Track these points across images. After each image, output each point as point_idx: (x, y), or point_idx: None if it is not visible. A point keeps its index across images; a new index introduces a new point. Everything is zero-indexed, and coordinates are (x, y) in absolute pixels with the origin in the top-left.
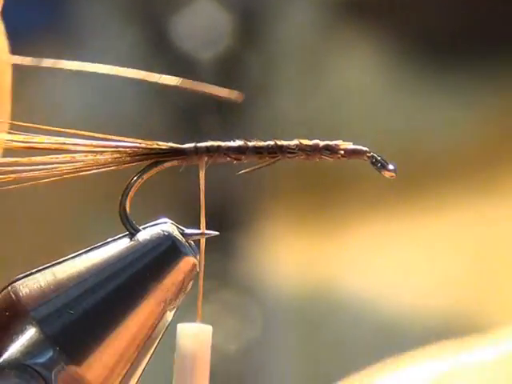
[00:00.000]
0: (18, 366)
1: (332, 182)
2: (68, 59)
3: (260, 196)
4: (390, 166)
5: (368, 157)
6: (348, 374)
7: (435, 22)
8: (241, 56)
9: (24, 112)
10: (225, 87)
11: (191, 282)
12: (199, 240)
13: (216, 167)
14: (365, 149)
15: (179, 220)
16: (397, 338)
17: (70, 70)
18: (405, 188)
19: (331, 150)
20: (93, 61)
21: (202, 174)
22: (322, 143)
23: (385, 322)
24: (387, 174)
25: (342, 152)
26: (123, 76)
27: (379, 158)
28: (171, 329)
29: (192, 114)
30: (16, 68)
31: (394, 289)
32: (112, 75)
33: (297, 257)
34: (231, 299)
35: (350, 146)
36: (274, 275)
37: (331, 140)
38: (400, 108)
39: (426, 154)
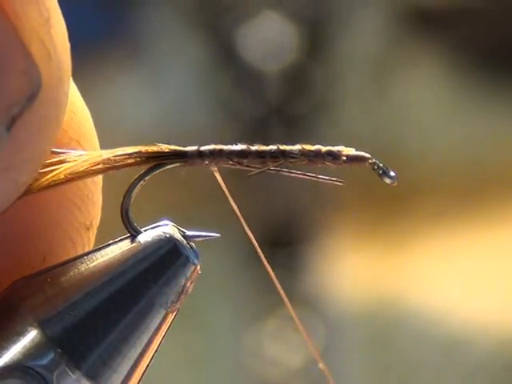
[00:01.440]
0: (19, 367)
1: (397, 196)
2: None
3: (325, 210)
4: (391, 173)
5: (370, 163)
6: (412, 382)
7: (501, 35)
8: (306, 68)
9: (99, 116)
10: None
11: (193, 284)
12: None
13: (282, 181)
14: (367, 155)
15: (180, 222)
16: (464, 353)
17: (138, 82)
18: (469, 201)
19: (333, 156)
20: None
21: (218, 177)
22: (324, 149)
23: (450, 337)
24: (388, 181)
25: (344, 158)
26: (190, 88)
27: (381, 165)
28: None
29: (258, 127)
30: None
31: (461, 303)
32: (180, 87)
33: (362, 271)
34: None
35: (352, 152)
36: (340, 290)
37: (333, 146)
38: (463, 121)
39: (490, 166)
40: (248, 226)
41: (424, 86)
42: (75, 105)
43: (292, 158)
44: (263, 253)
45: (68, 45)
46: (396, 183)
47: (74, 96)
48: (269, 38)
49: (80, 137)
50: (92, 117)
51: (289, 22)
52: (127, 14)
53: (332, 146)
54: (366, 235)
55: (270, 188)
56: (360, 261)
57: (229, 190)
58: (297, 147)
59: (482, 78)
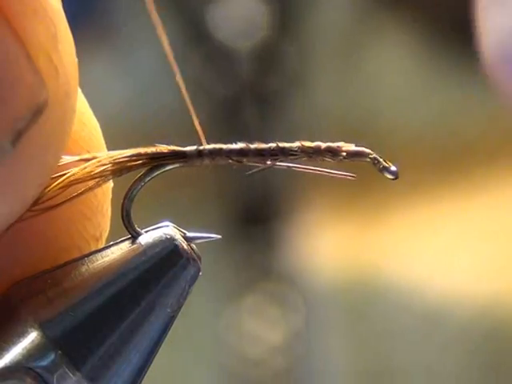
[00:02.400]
0: (19, 368)
1: (372, 169)
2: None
3: (300, 185)
4: (392, 168)
5: (370, 158)
6: (393, 361)
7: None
8: (277, 45)
9: None
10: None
11: (193, 286)
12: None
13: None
14: (367, 151)
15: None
16: (443, 323)
17: (106, 64)
18: (445, 172)
19: (333, 152)
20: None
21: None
22: (323, 145)
23: (429, 308)
24: (389, 176)
25: (344, 154)
26: (160, 68)
27: (381, 160)
28: (188, 314)
29: (231, 105)
30: None
31: (439, 274)
32: (150, 67)
33: (339, 245)
34: (274, 290)
35: (352, 147)
36: (318, 264)
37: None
38: (436, 94)
39: (465, 137)
40: (224, 202)
41: (396, 58)
42: (84, 115)
43: (291, 154)
44: (240, 229)
45: (75, 60)
46: (397, 178)
47: (82, 106)
48: (238, 16)
49: (90, 147)
50: None
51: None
52: None
53: (305, 122)
54: (342, 209)
55: (245, 165)
56: (337, 235)
57: (200, 171)
58: (296, 144)
59: (454, 51)
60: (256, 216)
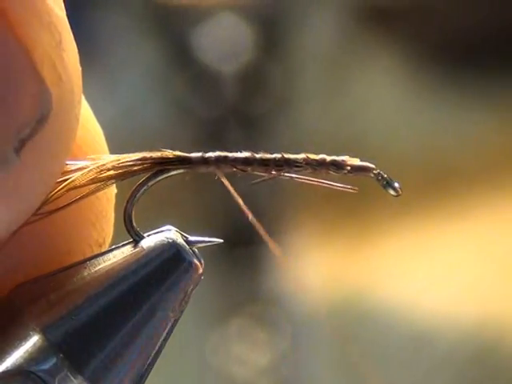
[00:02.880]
0: (21, 372)
1: (359, 191)
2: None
3: (287, 208)
4: (395, 184)
5: (374, 174)
6: (379, 377)
7: (457, 33)
8: (263, 68)
9: None
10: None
11: (194, 290)
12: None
13: (243, 180)
14: (371, 166)
15: (183, 227)
16: (431, 345)
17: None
18: (432, 194)
19: (338, 166)
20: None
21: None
22: (328, 158)
23: (417, 331)
24: (392, 192)
25: (349, 168)
26: (146, 90)
27: (385, 176)
28: (174, 336)
29: (216, 128)
30: None
31: (426, 296)
32: (136, 89)
33: (326, 268)
34: (261, 312)
35: (356, 162)
36: (304, 287)
37: (338, 155)
38: (422, 116)
39: (450, 160)
40: (211, 225)
41: (382, 80)
42: (88, 121)
43: (296, 166)
44: (227, 252)
45: (79, 68)
46: (400, 194)
47: (86, 112)
48: (224, 38)
49: (94, 152)
50: None
51: (244, 22)
52: (81, 16)
53: (290, 143)
54: (329, 231)
55: (231, 184)
56: (325, 257)
57: (190, 191)
58: (301, 156)
59: (439, 74)
60: (243, 238)
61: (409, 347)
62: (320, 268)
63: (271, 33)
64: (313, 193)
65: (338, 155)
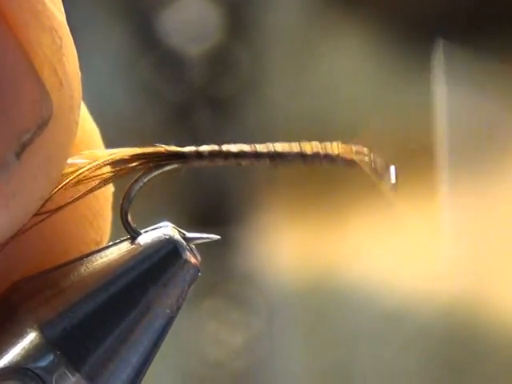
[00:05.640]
0: (18, 369)
1: (329, 171)
2: None
3: (258, 188)
4: (392, 175)
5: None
6: (354, 362)
7: (423, 6)
8: (230, 49)
9: None
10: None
11: (191, 287)
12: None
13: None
14: (367, 159)
15: (177, 222)
16: (402, 324)
17: None
18: (403, 173)
19: (331, 160)
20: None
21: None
22: (322, 152)
23: (389, 309)
24: (386, 186)
25: (342, 162)
26: (113, 74)
27: (379, 170)
28: (171, 333)
29: (184, 111)
30: None
31: (398, 275)
32: (102, 73)
33: (298, 247)
34: (234, 292)
35: (350, 155)
36: (276, 267)
37: (330, 141)
38: (391, 93)
39: (423, 138)
40: (181, 206)
41: (351, 58)
42: (85, 121)
43: (290, 158)
44: (199, 232)
45: (79, 73)
46: (395, 189)
47: (83, 112)
48: (190, 20)
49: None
50: None
51: (210, 4)
52: None
53: (260, 126)
54: (301, 210)
55: (198, 171)
56: (297, 236)
57: (154, 176)
58: (295, 150)
59: (407, 47)
60: (214, 219)
61: (382, 325)
62: (292, 247)
63: (237, 14)
64: (283, 172)
65: (308, 135)
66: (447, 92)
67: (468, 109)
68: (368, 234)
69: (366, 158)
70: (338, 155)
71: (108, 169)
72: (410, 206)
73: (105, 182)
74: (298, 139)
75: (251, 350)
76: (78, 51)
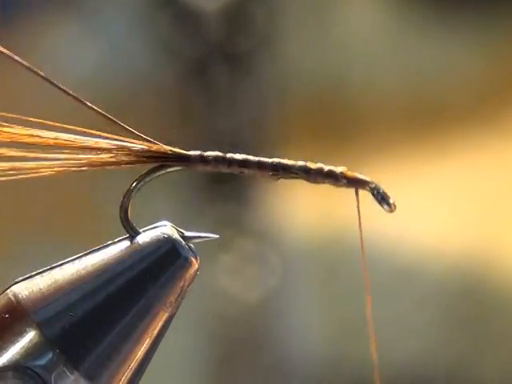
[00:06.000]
0: (17, 367)
1: (344, 125)
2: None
3: (273, 142)
4: (390, 201)
5: (370, 188)
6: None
7: None
8: (245, 5)
9: (32, 74)
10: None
11: (191, 285)
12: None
13: (226, 115)
14: (368, 179)
15: (178, 221)
16: (418, 278)
17: (75, 29)
18: (417, 131)
19: (334, 178)
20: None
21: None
22: (326, 168)
23: (403, 265)
24: (386, 208)
25: (345, 181)
26: (130, 31)
27: (381, 191)
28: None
29: (200, 65)
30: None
31: (412, 230)
32: (119, 30)
33: (313, 202)
34: (249, 249)
35: (353, 174)
36: (291, 222)
37: (336, 165)
38: (407, 51)
39: (435, 94)
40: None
41: (367, 14)
42: None
43: (293, 173)
44: (215, 188)
45: None
46: (394, 211)
47: None
48: None
49: None
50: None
51: None
52: None
53: (275, 82)
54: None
55: (214, 123)
56: (312, 191)
57: (172, 129)
58: (299, 163)
59: (424, 5)
60: (229, 175)
61: (396, 280)
62: (308, 203)
63: None
64: (297, 128)
65: (323, 91)
66: (461, 48)
67: (481, 65)
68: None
69: (370, 182)
70: (341, 173)
71: (112, 159)
72: (423, 162)
73: (103, 166)
74: (312, 94)
75: (266, 305)
76: (96, 8)
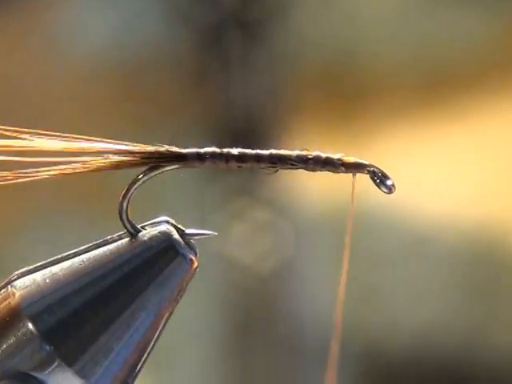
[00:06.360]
0: (11, 363)
1: (355, 93)
2: None
3: (284, 110)
4: (388, 182)
5: (369, 171)
6: (382, 284)
7: None
8: None
9: (46, 42)
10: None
11: (189, 282)
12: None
13: (241, 85)
14: (366, 163)
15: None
16: (431, 247)
17: None
18: (430, 98)
19: (332, 165)
20: None
21: None
22: (323, 156)
23: (418, 232)
24: (385, 190)
25: (343, 168)
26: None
27: (379, 174)
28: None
29: (213, 34)
30: None
31: (426, 199)
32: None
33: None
34: (262, 217)
35: (351, 160)
36: (304, 191)
37: (332, 153)
38: (416, 17)
39: (450, 61)
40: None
41: None
42: None
43: (290, 164)
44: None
45: None
46: (393, 192)
47: None
48: None
49: None
50: (47, 37)
51: None
52: None
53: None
54: (327, 133)
55: (228, 92)
56: None
57: (187, 98)
58: (295, 153)
59: None
60: (239, 141)
61: (410, 248)
62: (319, 172)
63: None
64: (310, 94)
65: (334, 59)
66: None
67: (493, 32)
68: (395, 158)
69: (368, 166)
70: (339, 160)
71: (108, 162)
72: (436, 130)
73: (103, 170)
74: (323, 62)
75: (280, 275)
76: None
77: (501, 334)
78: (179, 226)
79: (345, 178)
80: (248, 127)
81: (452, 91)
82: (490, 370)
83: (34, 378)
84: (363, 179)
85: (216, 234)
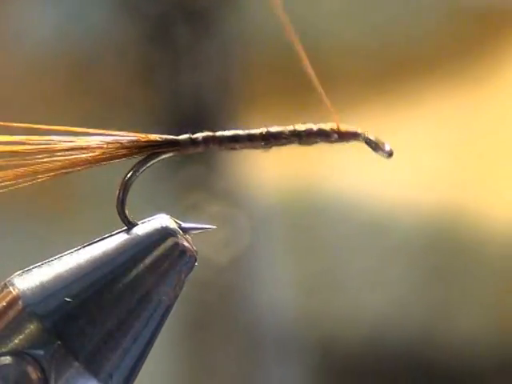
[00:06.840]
0: (16, 353)
1: (308, 81)
2: None
3: (237, 101)
4: (386, 147)
5: (363, 138)
6: (339, 272)
7: None
8: None
9: None
10: None
11: (188, 276)
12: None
13: (190, 73)
14: (359, 131)
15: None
16: (385, 233)
17: None
18: (384, 83)
19: (326, 135)
20: None
21: None
22: (315, 127)
23: (373, 219)
24: (383, 155)
25: (336, 136)
26: None
27: (374, 140)
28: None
29: (162, 24)
30: None
31: (379, 186)
32: None
33: (279, 161)
34: (218, 210)
35: (344, 128)
36: (258, 181)
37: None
38: (372, 4)
39: (402, 49)
40: (161, 127)
41: None
42: None
43: (283, 139)
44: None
45: None
46: (392, 154)
47: None
48: None
49: None
50: None
51: None
52: None
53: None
54: (278, 124)
55: (177, 81)
56: (276, 150)
57: (137, 86)
58: (288, 128)
59: None
60: (192, 133)
61: (366, 235)
62: (274, 161)
63: None
64: (264, 85)
65: (286, 47)
66: None
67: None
68: (349, 145)
69: (361, 133)
70: (332, 129)
71: (101, 154)
72: (390, 116)
73: (96, 163)
74: (275, 51)
75: (237, 266)
76: None
77: (459, 319)
78: (177, 220)
79: (297, 167)
80: (198, 117)
81: (407, 77)
82: (448, 356)
83: (39, 365)
84: (315, 167)
85: (214, 227)
